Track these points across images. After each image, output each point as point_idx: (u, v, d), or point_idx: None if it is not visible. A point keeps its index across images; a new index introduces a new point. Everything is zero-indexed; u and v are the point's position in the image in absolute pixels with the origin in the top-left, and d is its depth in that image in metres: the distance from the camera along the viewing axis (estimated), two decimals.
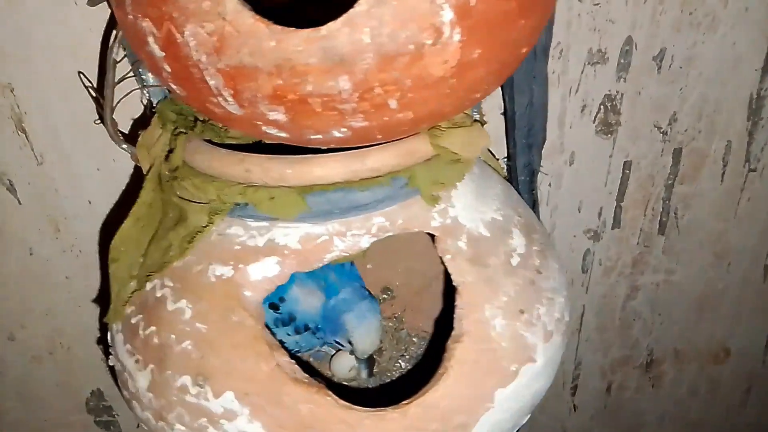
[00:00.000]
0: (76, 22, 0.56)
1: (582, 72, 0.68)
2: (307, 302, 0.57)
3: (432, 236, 0.44)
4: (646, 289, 0.87)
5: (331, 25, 0.32)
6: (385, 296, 0.72)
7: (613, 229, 0.81)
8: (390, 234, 0.43)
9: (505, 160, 0.67)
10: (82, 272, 0.71)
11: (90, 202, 0.67)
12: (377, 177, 0.42)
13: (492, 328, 0.42)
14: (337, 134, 0.39)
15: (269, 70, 0.34)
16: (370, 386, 0.61)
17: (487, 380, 0.42)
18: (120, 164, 0.64)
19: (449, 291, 0.45)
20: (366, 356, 0.58)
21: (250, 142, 0.49)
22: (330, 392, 0.39)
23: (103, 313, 0.63)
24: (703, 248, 0.84)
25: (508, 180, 0.67)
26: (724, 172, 0.78)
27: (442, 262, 0.43)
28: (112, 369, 0.47)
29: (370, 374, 0.60)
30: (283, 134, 0.39)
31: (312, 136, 0.39)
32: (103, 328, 0.48)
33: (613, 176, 0.76)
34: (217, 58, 0.34)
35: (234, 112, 0.37)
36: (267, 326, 0.51)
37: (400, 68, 0.34)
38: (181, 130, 0.46)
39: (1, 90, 0.59)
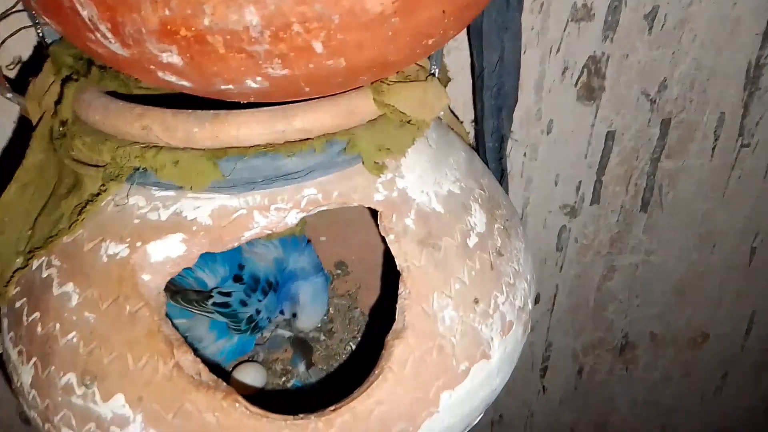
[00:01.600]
0: None
1: (564, 30, 0.61)
2: (261, 258, 0.54)
3: (375, 212, 0.37)
4: (623, 270, 0.81)
5: None
6: (339, 272, 0.65)
7: (591, 204, 0.74)
8: (323, 208, 0.36)
9: (473, 124, 0.60)
10: None
11: None
12: (308, 140, 0.35)
13: (440, 321, 0.36)
14: (252, 84, 0.31)
15: None
16: (309, 379, 0.55)
17: (431, 382, 0.35)
18: (9, 119, 0.56)
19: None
20: (303, 332, 0.56)
21: (166, 93, 0.41)
22: (240, 398, 0.32)
23: None
24: (687, 228, 0.78)
25: (474, 148, 0.60)
26: (714, 147, 0.71)
27: (384, 242, 0.37)
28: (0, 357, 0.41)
29: (308, 366, 0.54)
30: (186, 83, 0.31)
31: (222, 87, 0.32)
32: None
33: (594, 147, 0.70)
34: None
35: (119, 53, 0.30)
36: (243, 299, 0.51)
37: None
38: (74, 77, 0.38)
39: None
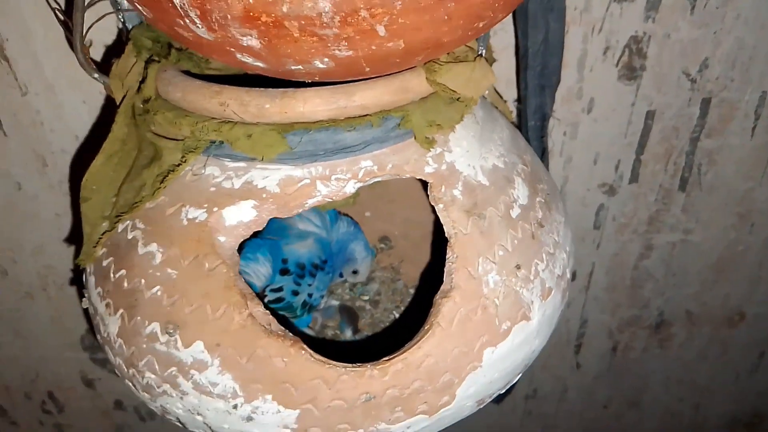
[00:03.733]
0: None
1: (607, 10, 0.62)
2: (302, 246, 0.57)
3: (425, 183, 0.41)
4: (661, 249, 0.83)
5: None
6: (383, 246, 0.69)
7: (630, 183, 0.76)
8: (378, 179, 0.39)
9: (516, 103, 0.62)
10: (71, 209, 0.68)
11: (77, 137, 0.64)
12: (366, 116, 0.38)
13: (484, 284, 0.39)
14: (320, 65, 0.34)
15: None
16: (356, 339, 0.59)
17: (475, 338, 0.39)
18: (106, 97, 0.61)
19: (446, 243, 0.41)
20: (361, 282, 0.64)
21: (234, 74, 0.45)
22: (306, 346, 0.36)
23: (78, 254, 0.61)
24: (726, 207, 0.79)
25: (517, 126, 0.63)
26: (755, 126, 0.72)
27: (434, 212, 0.40)
28: (86, 310, 0.45)
29: (355, 332, 0.58)
30: (260, 63, 0.35)
31: (293, 67, 0.35)
32: (78, 269, 0.46)
33: (634, 127, 0.71)
34: None
35: (204, 37, 0.33)
36: (294, 289, 0.55)
37: None
38: (155, 58, 0.42)
39: None
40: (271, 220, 0.49)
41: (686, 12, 0.63)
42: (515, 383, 0.48)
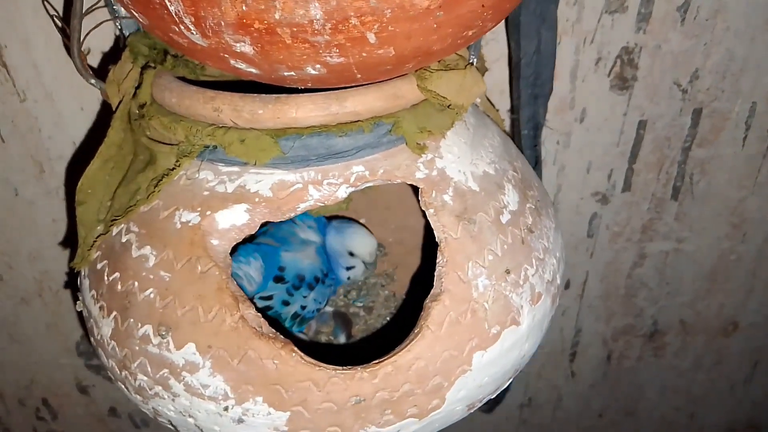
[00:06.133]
0: None
1: (598, 21, 0.63)
2: (304, 257, 0.57)
3: (417, 189, 0.41)
4: (654, 257, 0.83)
5: None
6: (378, 252, 0.69)
7: (623, 192, 0.76)
8: (370, 184, 0.40)
9: (509, 112, 0.63)
10: (68, 215, 0.69)
11: (74, 143, 0.64)
12: (358, 122, 0.39)
13: (474, 288, 0.40)
14: (312, 71, 0.35)
15: None
16: (346, 343, 0.59)
17: (465, 342, 0.39)
18: (102, 103, 0.62)
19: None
20: (371, 261, 0.61)
21: (228, 80, 0.46)
22: (296, 349, 0.37)
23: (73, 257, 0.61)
24: (718, 216, 0.80)
25: (510, 135, 0.64)
26: (746, 137, 0.73)
27: (424, 216, 0.40)
28: (80, 315, 0.46)
29: (348, 337, 0.58)
30: (254, 70, 0.36)
31: (285, 73, 0.36)
32: (73, 273, 0.46)
33: (627, 136, 0.72)
34: None
35: (198, 43, 0.34)
36: (285, 299, 0.53)
37: None
38: (151, 64, 0.42)
39: None
40: (272, 228, 0.49)
41: (677, 24, 0.64)
42: (506, 389, 0.48)
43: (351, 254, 0.59)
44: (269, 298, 0.53)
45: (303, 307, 0.55)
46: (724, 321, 0.91)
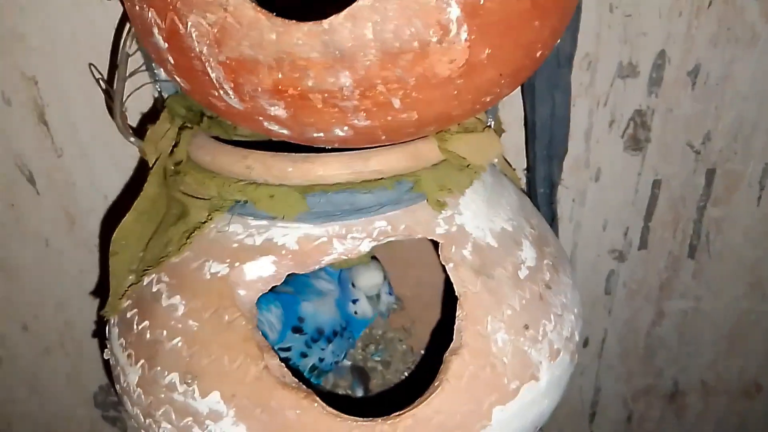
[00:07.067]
0: (100, 16, 0.56)
1: (611, 85, 0.66)
2: (324, 310, 0.57)
3: (437, 244, 0.43)
4: (672, 316, 0.83)
5: (333, 19, 0.31)
6: (395, 306, 0.70)
7: (639, 250, 0.77)
8: (392, 239, 0.41)
9: (525, 171, 0.65)
10: (95, 267, 0.71)
11: (106, 197, 0.67)
12: (381, 179, 0.41)
13: (493, 343, 0.40)
14: (339, 133, 0.37)
15: (269, 63, 0.33)
16: (366, 396, 0.59)
17: (484, 397, 0.39)
18: (137, 160, 0.65)
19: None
20: (372, 293, 0.59)
21: (258, 140, 0.49)
22: (318, 399, 0.37)
23: (102, 306, 0.63)
24: (735, 276, 0.80)
25: (527, 193, 0.65)
26: (760, 197, 0.74)
27: (445, 271, 0.42)
28: (107, 363, 0.47)
29: (366, 391, 0.58)
30: (285, 131, 0.38)
31: (314, 134, 0.38)
32: (101, 321, 0.48)
33: (642, 195, 0.73)
34: (218, 50, 0.33)
35: (235, 106, 0.37)
36: (304, 351, 0.53)
37: (404, 66, 0.33)
38: (188, 125, 0.45)
39: (25, 82, 0.60)
40: (291, 277, 0.50)
41: (687, 88, 0.67)
42: None
43: (353, 285, 0.58)
44: (287, 349, 0.54)
45: (321, 360, 0.56)
46: (747, 383, 0.90)
